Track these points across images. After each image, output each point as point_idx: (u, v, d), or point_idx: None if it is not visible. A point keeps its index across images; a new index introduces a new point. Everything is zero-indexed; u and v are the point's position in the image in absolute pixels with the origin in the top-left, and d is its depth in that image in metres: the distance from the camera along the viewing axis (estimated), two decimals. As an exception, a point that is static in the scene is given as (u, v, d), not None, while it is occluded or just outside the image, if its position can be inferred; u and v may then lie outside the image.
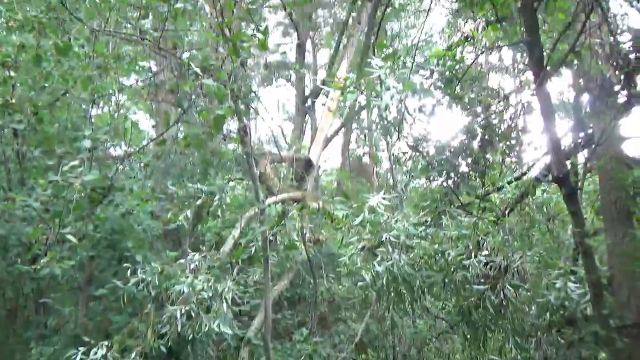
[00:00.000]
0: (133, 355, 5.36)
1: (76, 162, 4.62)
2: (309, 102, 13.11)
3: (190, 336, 5.56)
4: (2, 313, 7.61)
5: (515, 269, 4.70)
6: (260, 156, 8.45)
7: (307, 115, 13.32)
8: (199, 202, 7.34)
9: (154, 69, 9.56)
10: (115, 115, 7.23)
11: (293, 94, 16.30)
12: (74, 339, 6.19)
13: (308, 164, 9.76)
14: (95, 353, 5.18)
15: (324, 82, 11.95)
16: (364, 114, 16.48)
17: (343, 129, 15.68)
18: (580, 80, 4.75)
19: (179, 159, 8.49)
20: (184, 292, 5.53)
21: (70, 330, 6.91)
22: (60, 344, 6.34)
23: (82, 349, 5.25)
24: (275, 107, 19.54)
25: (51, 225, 4.63)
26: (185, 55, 7.30)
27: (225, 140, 8.41)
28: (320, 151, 10.27)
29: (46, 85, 6.18)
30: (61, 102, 6.82)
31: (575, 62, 4.70)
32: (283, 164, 9.55)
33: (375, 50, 5.86)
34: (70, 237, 4.56)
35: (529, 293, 4.58)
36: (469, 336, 5.12)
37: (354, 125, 17.86)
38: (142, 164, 8.21)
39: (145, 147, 7.68)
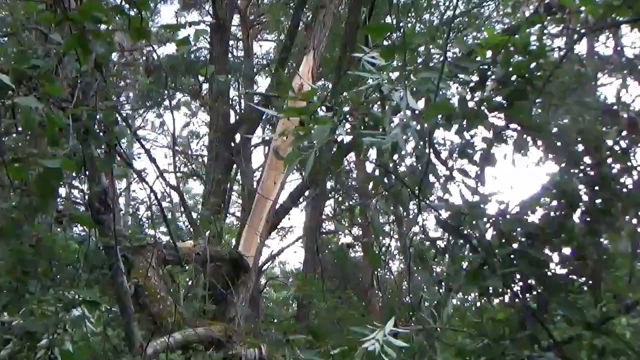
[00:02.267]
0: None
1: None
2: (238, 138, 10.53)
3: None
4: None
5: None
6: (137, 252, 6.34)
7: (235, 166, 10.69)
8: (4, 352, 4.95)
9: None
10: None
11: (206, 125, 12.90)
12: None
13: (237, 266, 7.65)
14: None
15: (266, 100, 8.66)
16: (350, 160, 12.87)
17: (307, 193, 11.83)
18: None
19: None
20: None
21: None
22: None
23: None
24: (167, 152, 16.90)
25: None
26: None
27: (61, 222, 6.19)
28: (262, 240, 8.28)
29: None
30: None
31: None
32: (184, 266, 7.28)
33: (369, 36, 4.64)
34: None
35: None
36: None
37: (329, 185, 13.79)
38: None
39: None
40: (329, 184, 13.80)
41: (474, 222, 3.57)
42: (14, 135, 5.47)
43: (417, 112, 3.13)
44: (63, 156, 3.63)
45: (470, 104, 3.72)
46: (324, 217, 14.22)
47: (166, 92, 8.95)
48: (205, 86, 12.65)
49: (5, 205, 5.26)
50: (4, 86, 3.48)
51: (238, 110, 12.33)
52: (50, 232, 6.17)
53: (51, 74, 4.14)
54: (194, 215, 10.11)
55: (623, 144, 3.53)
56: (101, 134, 4.06)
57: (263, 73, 14.37)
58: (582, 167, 3.59)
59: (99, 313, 5.67)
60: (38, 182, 3.58)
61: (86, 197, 5.14)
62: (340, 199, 14.13)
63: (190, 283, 7.80)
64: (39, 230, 5.98)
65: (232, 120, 10.88)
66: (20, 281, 5.84)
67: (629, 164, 3.55)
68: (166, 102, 13.41)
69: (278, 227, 12.24)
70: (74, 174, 6.18)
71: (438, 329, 3.97)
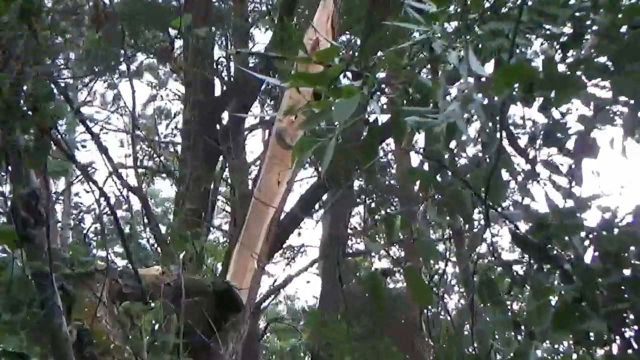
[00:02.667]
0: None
1: None
2: (225, 119, 10.78)
3: None
4: None
5: None
6: (80, 283, 6.31)
7: (221, 159, 11.02)
8: None
9: None
10: None
11: (179, 99, 13.01)
12: None
13: (225, 303, 7.64)
14: None
15: (267, 63, 8.64)
16: (388, 149, 13.32)
17: (325, 197, 12.42)
18: None
19: None
20: None
21: None
22: None
23: None
24: (124, 138, 16.96)
25: None
26: None
27: None
28: (261, 265, 8.32)
29: None
30: None
31: None
32: (148, 302, 7.15)
33: None
34: None
35: None
36: None
37: (357, 186, 14.14)
38: None
39: None
40: (356, 184, 13.80)
41: (566, 238, 3.64)
42: None
43: (483, 79, 3.08)
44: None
45: (561, 68, 3.68)
46: (349, 231, 14.24)
47: (122, 51, 8.86)
48: (179, 43, 12.65)
49: None
50: None
51: (225, 78, 12.35)
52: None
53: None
54: (163, 229, 9.90)
55: None
56: (29, 112, 4.04)
57: (261, 24, 14.35)
58: None
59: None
60: None
61: (8, 203, 5.30)
62: (373, 205, 14.07)
63: (157, 326, 7.81)
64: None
65: (218, 92, 10.93)
66: None
67: None
68: (122, 67, 13.42)
69: (284, 246, 12.31)
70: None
71: (515, 392, 3.98)
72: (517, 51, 3.45)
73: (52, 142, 4.45)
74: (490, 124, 3.14)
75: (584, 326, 3.25)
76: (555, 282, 3.42)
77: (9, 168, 4.24)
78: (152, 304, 7.36)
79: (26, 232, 4.33)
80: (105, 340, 6.06)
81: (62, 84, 8.59)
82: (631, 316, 3.30)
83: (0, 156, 3.99)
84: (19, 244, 4.46)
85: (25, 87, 3.91)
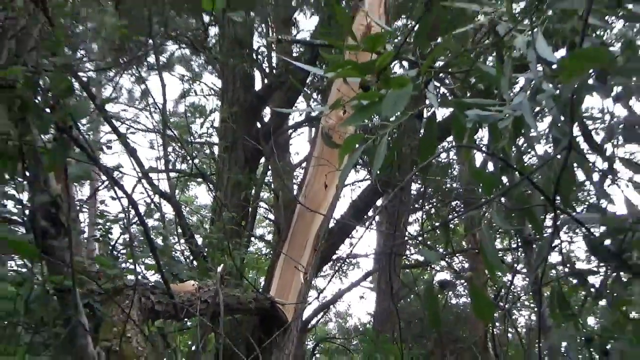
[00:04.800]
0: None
1: None
2: (267, 116, 10.85)
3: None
4: None
5: None
6: (108, 299, 6.16)
7: (263, 161, 10.88)
8: None
9: None
10: None
11: (215, 94, 12.99)
12: None
13: (268, 321, 7.67)
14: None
15: (313, 52, 8.55)
16: (448, 146, 12.74)
17: (380, 202, 12.20)
18: None
19: None
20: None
21: None
22: None
23: None
24: (154, 138, 16.63)
25: None
26: None
27: None
28: (308, 279, 8.11)
29: None
30: None
31: None
32: (183, 321, 7.11)
33: None
34: None
35: None
36: None
37: (414, 189, 14.14)
38: None
39: None
40: (413, 187, 13.65)
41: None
42: None
43: (555, 67, 3.03)
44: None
45: None
46: (406, 240, 14.10)
47: (150, 41, 8.84)
48: (215, 31, 12.64)
49: None
50: None
51: (267, 70, 12.20)
52: (-28, 270, 6.10)
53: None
54: (199, 240, 9.85)
55: None
56: (47, 109, 4.01)
57: (306, 8, 14.09)
58: None
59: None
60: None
61: (26, 212, 5.28)
62: (432, 210, 13.93)
63: (193, 347, 7.70)
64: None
65: (258, 85, 10.74)
66: None
67: None
68: (152, 59, 13.39)
69: (333, 257, 12.20)
70: (6, 176, 6.19)
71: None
72: (593, 34, 3.38)
73: (72, 143, 4.34)
74: (562, 118, 3.08)
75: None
76: (635, 294, 3.36)
77: (27, 173, 4.22)
78: (188, 323, 7.31)
79: (46, 243, 4.32)
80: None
81: (84, 78, 8.57)
82: None
83: (16, 159, 3.95)
84: (39, 257, 4.45)
85: (41, 82, 3.82)
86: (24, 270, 6.79)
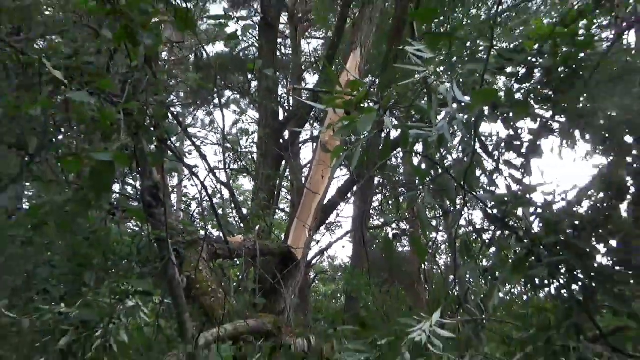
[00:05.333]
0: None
1: None
2: (286, 135, 10.08)
3: None
4: None
5: None
6: (189, 246, 6.03)
7: (284, 163, 10.24)
8: (63, 342, 4.66)
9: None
10: None
11: (255, 122, 12.66)
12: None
13: (286, 260, 7.30)
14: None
15: (315, 96, 8.42)
16: (397, 155, 12.06)
17: (355, 187, 11.30)
18: None
19: (23, 253, 5.58)
20: None
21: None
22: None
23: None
24: (217, 149, 16.41)
25: None
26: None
27: (114, 215, 5.92)
28: (311, 234, 7.83)
29: None
30: None
31: None
32: (234, 260, 6.97)
33: (415, 28, 4.45)
34: None
35: None
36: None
37: (377, 180, 13.20)
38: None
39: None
40: (376, 179, 13.33)
41: (519, 212, 3.53)
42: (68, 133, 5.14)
43: (463, 104, 3.00)
44: (117, 149, 3.43)
45: (517, 96, 3.52)
46: (372, 212, 13.88)
47: (215, 89, 8.81)
48: (255, 84, 12.25)
49: (60, 199, 5.00)
50: (57, 82, 3.38)
51: (286, 107, 11.89)
52: (105, 226, 5.96)
53: (103, 70, 4.00)
54: (244, 210, 9.71)
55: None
56: (152, 129, 3.92)
57: (311, 70, 14.04)
58: (629, 159, 3.36)
59: (152, 305, 5.54)
60: (91, 176, 3.29)
61: (138, 192, 5.14)
62: (387, 193, 13.69)
63: (240, 276, 7.51)
64: (94, 223, 5.81)
65: (281, 117, 10.50)
66: (77, 274, 5.69)
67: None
68: (216, 100, 13.17)
69: (327, 222, 11.98)
70: (127, 170, 5.99)
71: (484, 320, 3.85)
72: (486, 85, 3.35)
73: (167, 149, 4.30)
74: (467, 135, 3.03)
75: (532, 273, 3.11)
76: (512, 243, 3.30)
77: (138, 167, 4.08)
78: (237, 262, 7.19)
79: (150, 211, 4.19)
80: (205, 285, 5.98)
81: (174, 112, 8.44)
82: (564, 267, 3.18)
83: (131, 159, 3.79)
84: (146, 220, 4.31)
85: (148, 111, 3.66)
86: (137, 228, 6.79)
